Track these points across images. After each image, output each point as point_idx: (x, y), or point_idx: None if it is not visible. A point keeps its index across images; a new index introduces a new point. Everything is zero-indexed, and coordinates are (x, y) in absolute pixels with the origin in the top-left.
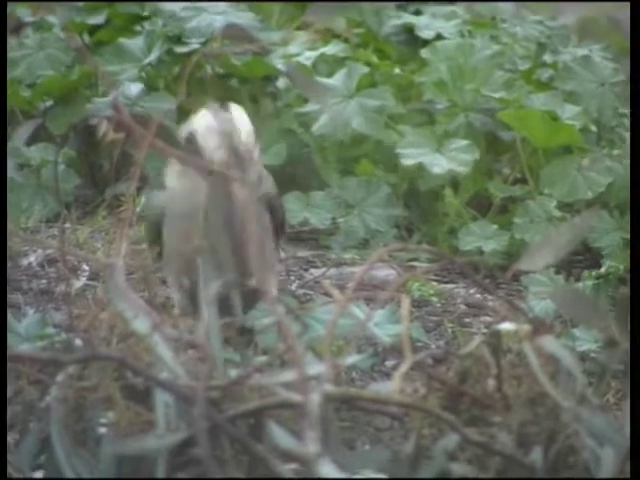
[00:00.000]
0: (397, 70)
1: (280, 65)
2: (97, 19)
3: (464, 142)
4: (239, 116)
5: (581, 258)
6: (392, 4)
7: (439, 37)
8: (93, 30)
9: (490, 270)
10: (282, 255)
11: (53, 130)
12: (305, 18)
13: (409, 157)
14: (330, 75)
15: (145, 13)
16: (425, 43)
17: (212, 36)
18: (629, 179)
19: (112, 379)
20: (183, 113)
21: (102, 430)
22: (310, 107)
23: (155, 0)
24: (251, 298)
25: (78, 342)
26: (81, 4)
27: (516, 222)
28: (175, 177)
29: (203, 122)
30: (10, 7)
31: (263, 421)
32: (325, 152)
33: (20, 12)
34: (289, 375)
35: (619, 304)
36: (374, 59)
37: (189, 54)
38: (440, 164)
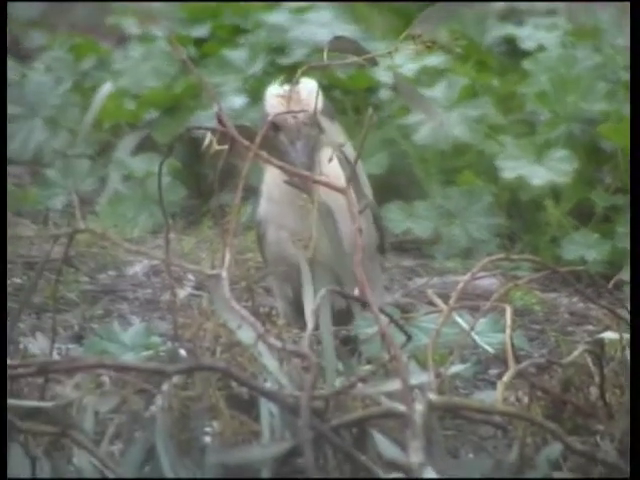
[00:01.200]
0: (495, 81)
1: (383, 76)
2: (201, 31)
3: (563, 152)
4: (306, 85)
5: None
6: (495, 15)
7: (541, 48)
8: (197, 42)
9: (592, 279)
10: (386, 264)
11: (158, 141)
12: (413, 29)
13: (509, 170)
14: (432, 86)
15: (248, 25)
16: (527, 54)
17: (317, 48)
18: None
19: (217, 389)
20: None
21: (207, 440)
22: (412, 118)
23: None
24: (355, 308)
25: (183, 352)
26: (184, 15)
27: (618, 231)
28: (273, 185)
29: (270, 90)
30: (114, 19)
31: (367, 431)
32: (426, 162)
33: (125, 24)
34: (393, 385)
35: None
36: (473, 73)
37: (292, 66)
38: (540, 175)
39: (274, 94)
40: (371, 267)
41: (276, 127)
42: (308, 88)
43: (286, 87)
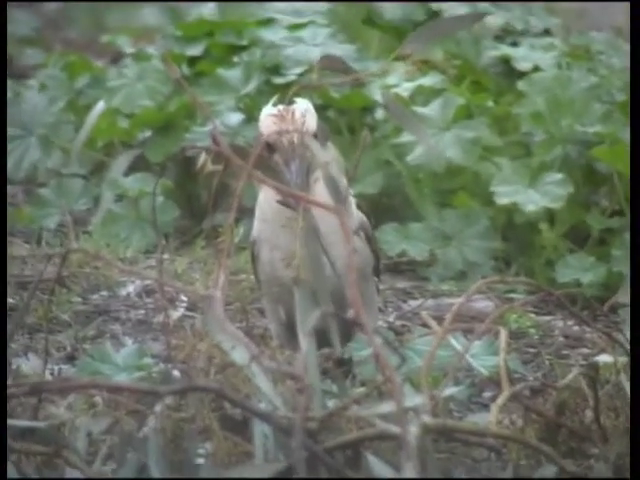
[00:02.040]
0: (491, 102)
1: (378, 96)
2: (196, 50)
3: (558, 176)
4: (300, 106)
5: None
6: (490, 35)
7: (536, 69)
8: (192, 61)
9: (588, 302)
10: (380, 286)
11: (151, 160)
12: (403, 49)
13: (503, 195)
14: (427, 106)
15: (244, 42)
16: (522, 75)
17: (310, 67)
18: None
19: (210, 410)
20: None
21: (200, 460)
22: (405, 137)
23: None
24: (348, 330)
25: (176, 373)
26: (179, 34)
27: (614, 254)
28: (267, 206)
29: (264, 111)
30: (109, 37)
31: (361, 452)
32: (420, 183)
33: (120, 42)
34: (387, 407)
35: None
36: (468, 94)
37: (286, 84)
38: (534, 201)
39: (268, 114)
40: (365, 289)
41: (271, 147)
42: (302, 108)
43: (280, 107)
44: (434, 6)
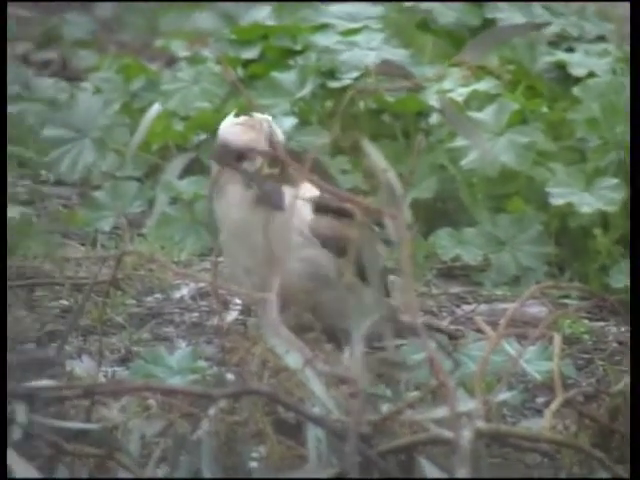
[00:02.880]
0: (545, 107)
1: (433, 101)
2: (251, 53)
3: (613, 181)
4: (264, 117)
5: None
6: (545, 41)
7: (591, 75)
8: (246, 64)
9: None
10: (434, 291)
11: (206, 163)
12: (460, 57)
13: (558, 196)
14: (481, 111)
15: (298, 47)
16: (577, 80)
17: (366, 71)
18: None
19: (263, 413)
20: (336, 148)
21: (253, 464)
22: (459, 142)
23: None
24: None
25: (230, 376)
26: (234, 37)
27: None
28: (225, 217)
29: (227, 121)
30: (163, 41)
31: (414, 457)
32: (474, 188)
33: (173, 46)
34: (441, 411)
35: None
36: (523, 99)
37: (342, 89)
38: (589, 203)
39: (234, 124)
40: (330, 296)
41: (241, 157)
42: (267, 120)
43: (244, 118)
44: (488, 12)
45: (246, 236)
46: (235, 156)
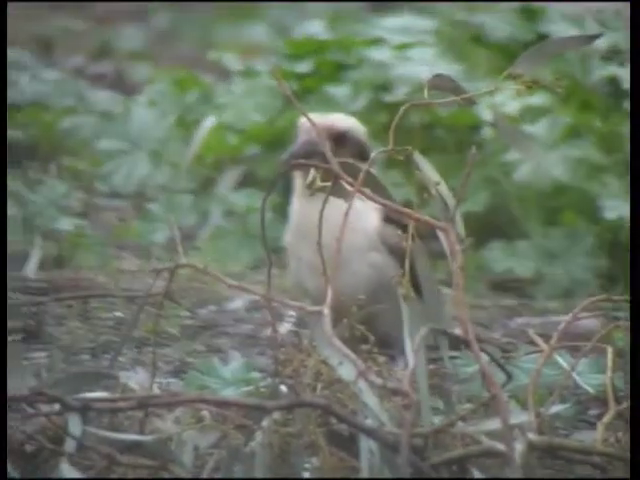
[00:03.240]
0: (598, 121)
1: (485, 114)
2: (304, 67)
3: None
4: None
5: None
6: (598, 55)
7: None
8: (300, 77)
9: None
10: (486, 303)
11: (260, 176)
12: (513, 69)
13: (611, 209)
14: (534, 125)
15: (351, 61)
16: None
17: (419, 86)
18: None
19: (317, 425)
20: (390, 162)
21: (306, 475)
22: (512, 156)
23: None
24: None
25: (283, 388)
26: (287, 51)
27: None
28: (296, 214)
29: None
30: (216, 54)
31: (466, 469)
32: (526, 201)
33: (226, 59)
34: (493, 424)
35: None
36: (575, 113)
37: (395, 103)
38: None
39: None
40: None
41: (340, 140)
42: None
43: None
44: (541, 26)
45: (311, 232)
46: (335, 138)
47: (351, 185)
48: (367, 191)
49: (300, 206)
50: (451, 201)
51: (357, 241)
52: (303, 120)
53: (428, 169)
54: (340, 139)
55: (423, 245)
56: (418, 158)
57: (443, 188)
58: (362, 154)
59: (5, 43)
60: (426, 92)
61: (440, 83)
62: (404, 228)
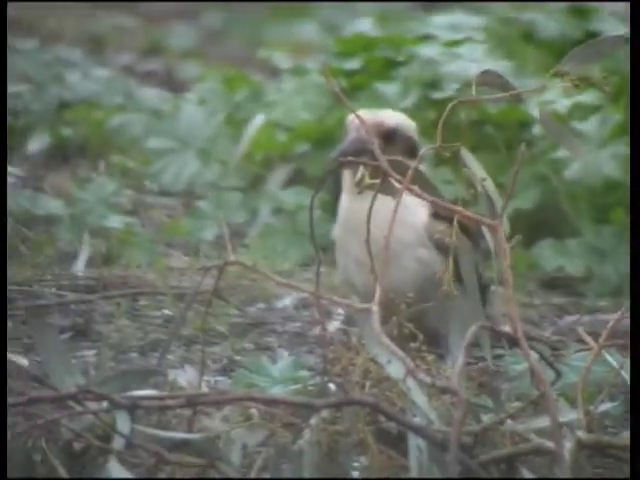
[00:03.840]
0: None
1: (535, 112)
2: (353, 64)
3: None
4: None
5: None
6: None
7: None
8: (349, 75)
9: None
10: (536, 301)
11: (309, 174)
12: (560, 67)
13: None
14: (584, 123)
15: (401, 58)
16: None
17: (468, 82)
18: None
19: (365, 423)
20: (439, 159)
21: (355, 474)
22: (562, 153)
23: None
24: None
25: (332, 386)
26: (337, 48)
27: None
28: (344, 209)
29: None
30: (266, 52)
31: (515, 467)
32: (576, 199)
33: (276, 57)
34: (542, 422)
35: None
36: (626, 110)
37: (444, 100)
38: None
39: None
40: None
41: (390, 136)
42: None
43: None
44: (591, 24)
45: (360, 228)
46: (385, 135)
47: (399, 182)
48: (415, 188)
49: (349, 202)
50: (497, 198)
51: (405, 236)
52: (352, 117)
53: (475, 166)
54: (389, 136)
55: (470, 242)
56: (465, 155)
57: (489, 185)
58: (412, 151)
59: (5, 43)
60: (474, 88)
61: (488, 79)
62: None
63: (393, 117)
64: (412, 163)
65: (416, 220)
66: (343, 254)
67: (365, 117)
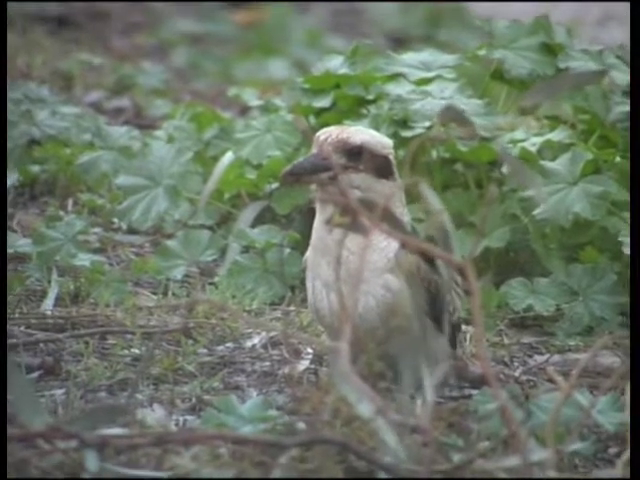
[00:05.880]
0: (619, 157)
1: (501, 150)
2: (323, 102)
3: None
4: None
5: None
6: (619, 91)
7: None
8: (319, 112)
9: None
10: (506, 340)
11: (278, 212)
12: (524, 101)
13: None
14: (555, 160)
15: (371, 96)
16: None
17: (434, 119)
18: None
19: (335, 462)
20: (408, 196)
21: None
22: (531, 192)
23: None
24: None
25: (301, 425)
26: (306, 86)
27: None
28: (314, 232)
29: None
30: (236, 90)
31: None
32: (547, 238)
33: (246, 94)
34: (512, 461)
35: None
36: (596, 149)
37: (414, 138)
38: None
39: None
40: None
41: (357, 153)
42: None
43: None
44: (562, 61)
45: (328, 250)
46: (350, 152)
47: (369, 220)
48: (384, 226)
49: (320, 224)
50: (452, 230)
51: (375, 261)
52: (318, 133)
53: (432, 198)
54: (356, 153)
55: (444, 279)
56: (424, 188)
57: (445, 216)
58: (381, 169)
59: (5, 43)
60: (437, 124)
61: (451, 116)
62: (423, 255)
63: (360, 134)
64: (381, 201)
65: (389, 246)
66: (312, 276)
67: (331, 133)
